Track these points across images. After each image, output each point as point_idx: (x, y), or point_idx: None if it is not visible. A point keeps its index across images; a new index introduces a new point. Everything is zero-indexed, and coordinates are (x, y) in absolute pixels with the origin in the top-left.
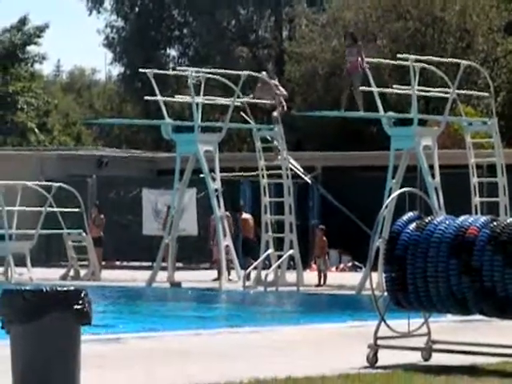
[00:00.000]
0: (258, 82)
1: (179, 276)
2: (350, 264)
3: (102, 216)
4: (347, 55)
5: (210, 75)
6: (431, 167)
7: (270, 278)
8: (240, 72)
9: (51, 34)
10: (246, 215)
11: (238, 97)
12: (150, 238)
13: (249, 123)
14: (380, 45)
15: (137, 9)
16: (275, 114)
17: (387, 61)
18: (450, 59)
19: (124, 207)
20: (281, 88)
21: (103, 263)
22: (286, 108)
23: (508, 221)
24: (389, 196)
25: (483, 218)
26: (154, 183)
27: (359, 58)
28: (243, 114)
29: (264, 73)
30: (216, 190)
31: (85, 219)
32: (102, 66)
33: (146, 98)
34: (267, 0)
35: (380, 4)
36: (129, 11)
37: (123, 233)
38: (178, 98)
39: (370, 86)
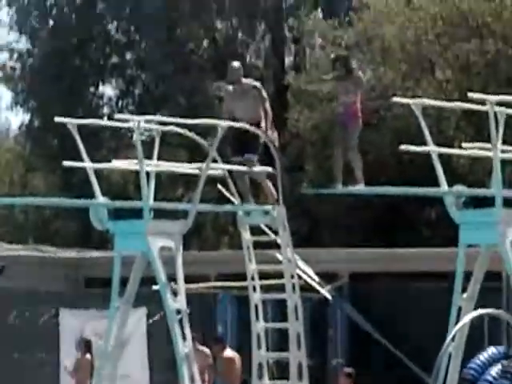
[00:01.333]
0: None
1: None
2: None
3: (88, 356)
4: (339, 93)
5: (168, 127)
6: None
7: None
8: (217, 122)
9: None
10: (229, 352)
11: (215, 161)
12: None
13: (231, 203)
14: (441, 78)
15: (51, 22)
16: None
17: (452, 104)
18: None
19: (30, 340)
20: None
21: None
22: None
23: None
24: (457, 322)
25: None
26: (80, 300)
27: (357, 101)
28: (221, 189)
29: (235, 64)
30: (179, 312)
31: None
32: None
33: (66, 163)
34: (260, 8)
35: (441, 15)
36: (38, 26)
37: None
38: (118, 164)
39: (423, 143)
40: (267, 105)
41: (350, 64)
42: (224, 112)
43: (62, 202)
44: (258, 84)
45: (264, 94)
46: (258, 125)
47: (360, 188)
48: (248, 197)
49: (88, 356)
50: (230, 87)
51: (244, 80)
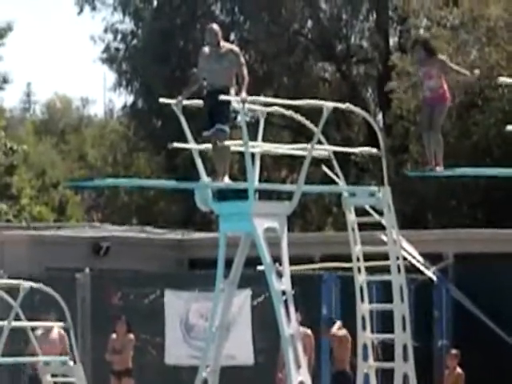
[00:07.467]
0: None
1: None
2: None
3: (132, 336)
4: (423, 78)
5: (273, 108)
6: None
7: None
8: (322, 102)
9: (17, 41)
10: (341, 331)
11: (320, 142)
12: (176, 371)
13: (335, 184)
14: None
15: (155, 2)
16: None
17: None
18: None
19: (135, 320)
20: None
21: None
22: None
23: None
24: None
25: None
26: (184, 281)
27: (444, 83)
28: (326, 170)
29: (213, 26)
30: (284, 293)
31: (72, 339)
32: (99, 94)
33: (171, 145)
34: None
35: None
36: (143, 7)
37: (133, 361)
38: None
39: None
40: (245, 71)
41: (431, 47)
42: (196, 74)
43: (166, 183)
44: (236, 48)
45: (242, 59)
46: (226, 91)
47: (469, 170)
48: (223, 174)
49: (131, 336)
50: (207, 49)
51: (222, 43)
